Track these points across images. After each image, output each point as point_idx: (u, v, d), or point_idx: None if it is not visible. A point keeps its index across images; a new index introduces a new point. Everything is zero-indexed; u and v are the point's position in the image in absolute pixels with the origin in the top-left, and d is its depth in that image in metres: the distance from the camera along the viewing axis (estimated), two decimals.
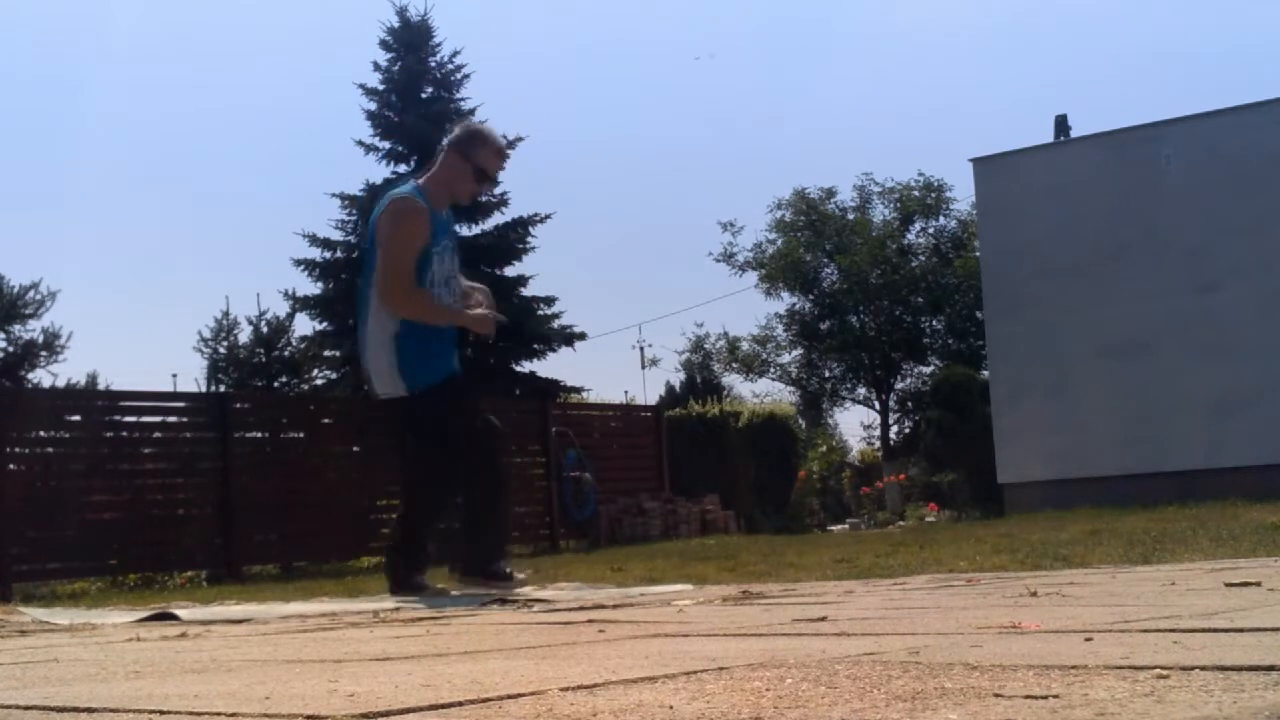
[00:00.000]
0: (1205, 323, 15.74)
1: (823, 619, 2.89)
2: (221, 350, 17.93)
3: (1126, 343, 16.17)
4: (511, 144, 5.86)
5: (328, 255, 20.97)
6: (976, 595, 3.65)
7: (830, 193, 31.25)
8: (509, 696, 1.63)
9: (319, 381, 19.60)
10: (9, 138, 45.05)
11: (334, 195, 21.05)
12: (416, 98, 21.28)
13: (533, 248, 21.27)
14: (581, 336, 21.17)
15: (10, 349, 16.04)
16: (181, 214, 49.63)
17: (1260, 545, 6.00)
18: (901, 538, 10.18)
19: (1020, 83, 55.90)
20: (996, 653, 1.92)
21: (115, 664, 2.48)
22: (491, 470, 5.26)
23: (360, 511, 13.12)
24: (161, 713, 1.64)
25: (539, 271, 23.11)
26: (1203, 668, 1.61)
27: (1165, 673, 1.57)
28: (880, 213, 31.20)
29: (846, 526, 19.42)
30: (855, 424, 65.34)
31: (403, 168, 21.28)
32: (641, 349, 36.01)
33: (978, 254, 21.76)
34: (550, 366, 31.49)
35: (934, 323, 30.33)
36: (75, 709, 1.73)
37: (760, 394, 33.09)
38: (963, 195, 29.97)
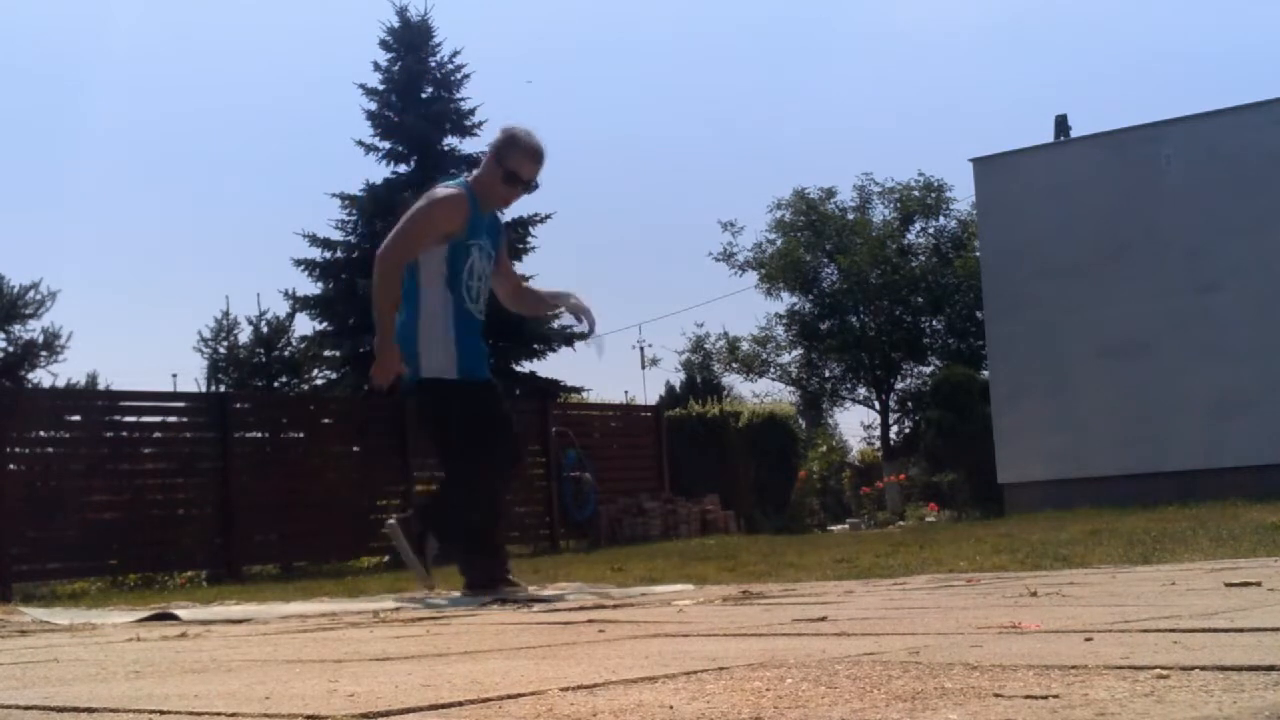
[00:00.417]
0: (1205, 323, 15.74)
1: (823, 619, 2.89)
2: (221, 350, 17.94)
3: (1126, 343, 16.17)
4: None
5: (328, 255, 20.97)
6: (976, 595, 3.65)
7: (830, 193, 31.25)
8: (509, 696, 1.63)
9: (319, 381, 19.61)
10: (9, 138, 45.05)
11: (334, 195, 21.06)
12: (416, 98, 21.28)
13: (533, 248, 21.29)
14: (582, 336, 21.17)
15: (10, 349, 16.05)
16: (181, 214, 49.62)
17: (1260, 545, 6.00)
18: (901, 538, 10.18)
19: (1020, 83, 55.90)
20: (996, 653, 1.92)
21: (115, 664, 2.48)
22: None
23: (360, 511, 13.11)
24: (161, 713, 1.64)
25: (539, 271, 23.08)
26: (1203, 668, 1.61)
27: (1165, 673, 1.57)
28: (880, 213, 31.21)
29: (846, 526, 19.43)
30: (855, 424, 65.32)
31: (403, 168, 21.30)
32: (641, 349, 36.00)
33: (978, 254, 21.76)
34: (550, 366, 31.54)
35: (934, 323, 30.33)
36: (75, 709, 1.73)
37: (760, 394, 33.10)
38: (963, 195, 29.98)
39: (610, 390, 55.76)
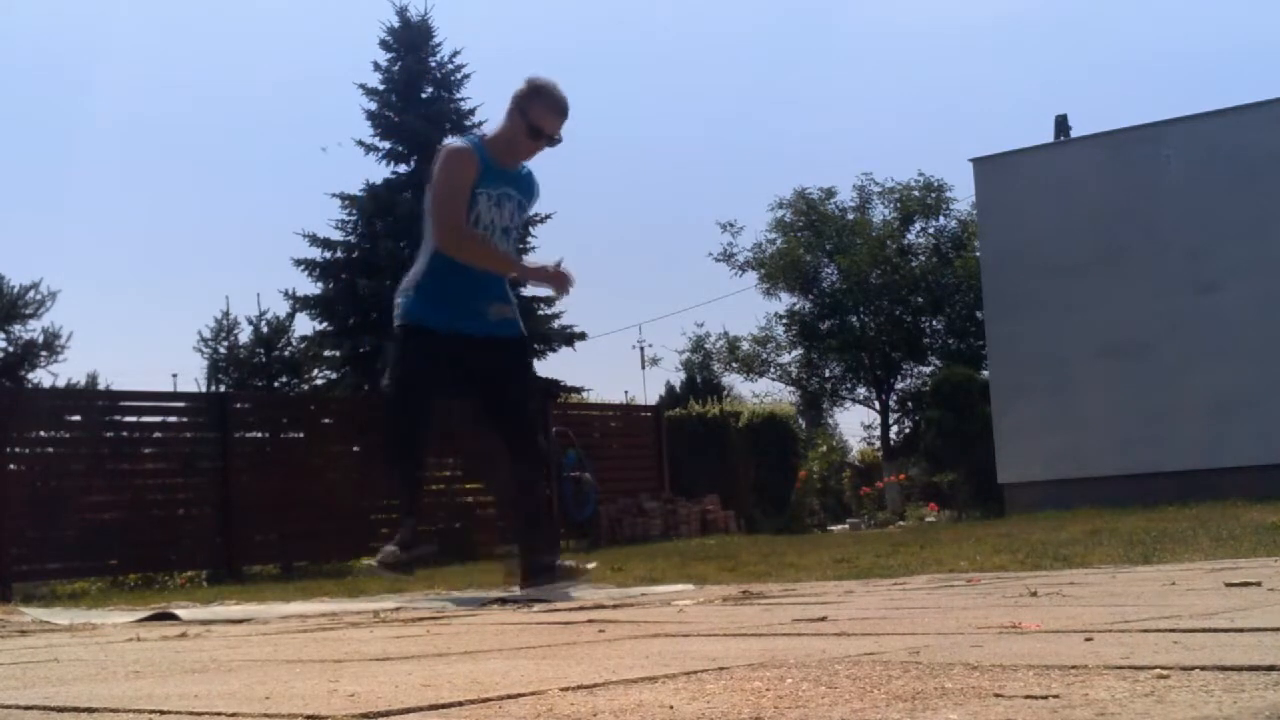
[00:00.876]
0: (1205, 323, 15.73)
1: (823, 619, 2.89)
2: (222, 350, 17.94)
3: (1126, 343, 16.16)
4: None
5: (328, 255, 20.99)
6: (976, 595, 3.65)
7: (830, 193, 31.26)
8: (509, 696, 1.63)
9: (319, 381, 19.62)
10: (9, 137, 45.07)
11: (334, 195, 21.08)
12: (416, 98, 21.29)
13: (533, 248, 21.27)
14: (581, 336, 21.21)
15: (10, 349, 16.05)
16: (181, 214, 49.66)
17: (1260, 545, 5.99)
18: (901, 538, 10.18)
19: (1020, 83, 55.96)
20: (997, 653, 1.92)
21: (115, 664, 2.48)
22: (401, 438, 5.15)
23: (360, 511, 13.11)
24: (161, 713, 1.64)
25: None
26: (1203, 668, 1.61)
27: (1165, 673, 1.57)
28: (880, 213, 31.21)
29: (846, 526, 19.42)
30: (855, 424, 65.43)
31: (403, 168, 21.30)
32: (641, 349, 36.08)
33: (978, 254, 21.76)
34: (550, 366, 31.43)
35: (934, 323, 30.34)
36: (75, 709, 1.73)
37: (760, 394, 33.14)
38: (963, 195, 29.99)
39: (610, 390, 55.82)
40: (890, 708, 1.42)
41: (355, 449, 13.81)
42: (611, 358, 65.32)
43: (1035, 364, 16.88)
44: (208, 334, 17.95)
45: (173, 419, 12.46)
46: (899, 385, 31.14)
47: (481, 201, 4.99)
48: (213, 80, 54.21)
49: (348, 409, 14.89)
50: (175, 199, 50.55)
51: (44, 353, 16.04)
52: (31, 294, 16.21)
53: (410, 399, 5.05)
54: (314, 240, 20.83)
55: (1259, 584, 3.35)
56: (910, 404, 30.43)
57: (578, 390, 21.25)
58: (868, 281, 29.62)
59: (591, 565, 5.60)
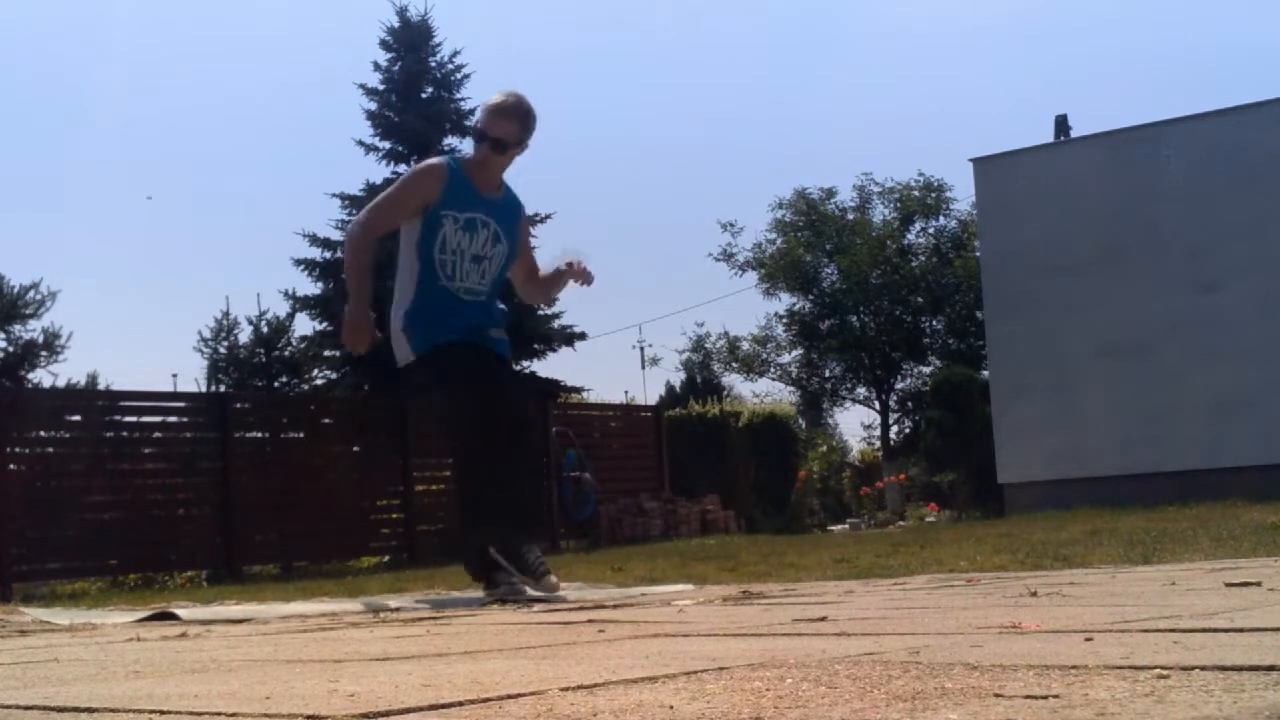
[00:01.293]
0: (1205, 323, 15.73)
1: (823, 619, 2.89)
2: (222, 350, 17.92)
3: (1126, 343, 16.16)
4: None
5: (328, 255, 20.97)
6: (976, 595, 3.65)
7: (830, 193, 31.27)
8: (509, 696, 1.63)
9: (319, 381, 19.60)
10: (9, 138, 45.08)
11: (334, 195, 21.06)
12: (416, 98, 21.27)
13: (534, 247, 21.19)
14: (581, 336, 21.18)
15: (10, 349, 16.04)
16: (181, 214, 49.66)
17: (1260, 545, 5.99)
18: (901, 538, 10.18)
19: (1020, 83, 55.98)
20: (997, 653, 1.92)
21: (115, 664, 2.48)
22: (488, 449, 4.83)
23: (360, 511, 13.12)
24: (161, 713, 1.64)
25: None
26: (1203, 668, 1.61)
27: (1165, 673, 1.57)
28: (880, 213, 31.23)
29: (846, 526, 19.43)
30: (855, 424, 65.42)
31: (403, 168, 21.29)
32: (641, 349, 36.09)
33: (978, 254, 21.76)
34: (550, 366, 31.52)
35: (934, 323, 30.35)
36: (75, 709, 1.73)
37: (760, 394, 33.16)
38: (963, 195, 30.00)
39: (610, 390, 55.82)
40: (890, 708, 1.42)
41: (355, 449, 13.82)
42: (611, 358, 65.39)
43: (1035, 364, 16.88)
44: (208, 334, 17.94)
45: (173, 419, 12.46)
46: (899, 385, 31.16)
47: (447, 224, 4.88)
48: (213, 80, 54.24)
49: (348, 409, 14.90)
50: (175, 198, 50.58)
51: (44, 353, 16.04)
52: (31, 294, 16.20)
53: (483, 416, 4.83)
54: (314, 240, 20.82)
55: (1259, 584, 3.35)
56: (910, 404, 30.45)
57: (578, 390, 21.23)
58: (868, 281, 29.63)
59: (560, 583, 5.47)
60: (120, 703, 1.76)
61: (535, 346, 20.61)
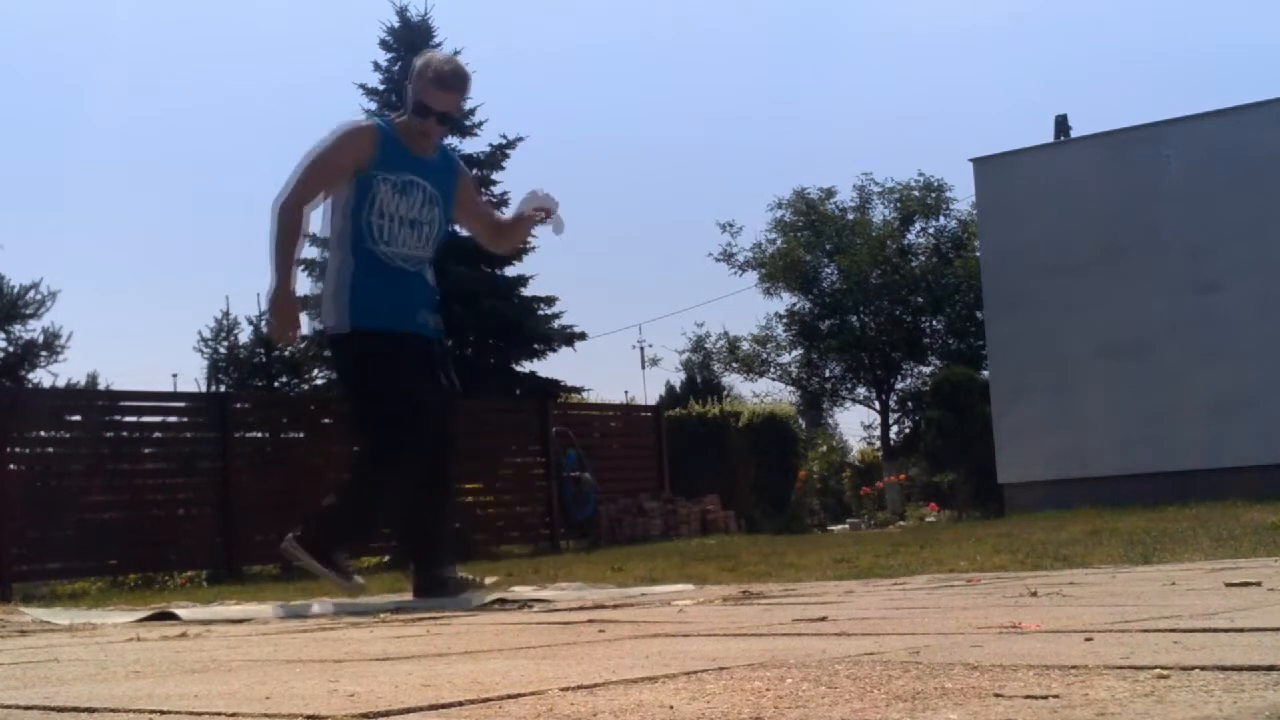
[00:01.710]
0: (1205, 323, 15.73)
1: (823, 619, 2.89)
2: (221, 350, 17.94)
3: (1126, 343, 16.16)
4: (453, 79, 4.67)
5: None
6: (977, 595, 3.65)
7: (830, 193, 31.29)
8: (509, 696, 1.63)
9: (319, 381, 19.60)
10: (10, 138, 45.08)
11: None
12: None
13: (533, 248, 21.25)
14: (581, 336, 21.17)
15: (10, 349, 16.05)
16: (181, 214, 49.67)
17: (1260, 545, 5.99)
18: (901, 538, 10.18)
19: (1020, 83, 55.99)
20: (997, 653, 1.92)
21: (115, 664, 2.48)
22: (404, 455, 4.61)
23: None
24: (161, 713, 1.64)
25: (539, 271, 23.11)
26: (1203, 668, 1.61)
27: (1165, 673, 1.57)
28: (880, 213, 31.25)
29: (846, 526, 19.42)
30: (855, 424, 65.41)
31: None
32: (641, 349, 36.10)
33: (978, 254, 21.76)
34: (550, 366, 31.50)
35: (934, 323, 30.36)
36: (75, 709, 1.73)
37: (760, 394, 33.17)
38: (963, 195, 30.02)
39: (610, 390, 55.83)
40: (890, 708, 1.42)
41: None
42: (611, 358, 65.42)
43: (1035, 364, 16.88)
44: (208, 334, 17.96)
45: (173, 419, 12.46)
46: (899, 385, 31.18)
47: (381, 188, 4.60)
48: (213, 80, 54.24)
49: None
50: (175, 198, 50.59)
51: (44, 353, 16.06)
52: (31, 294, 16.22)
53: (409, 413, 4.57)
54: (314, 240, 20.79)
55: (1259, 584, 3.34)
56: (910, 404, 30.47)
57: (578, 390, 21.23)
58: (868, 281, 29.65)
59: (491, 579, 5.31)
60: (120, 703, 1.76)
61: (535, 346, 20.61)
